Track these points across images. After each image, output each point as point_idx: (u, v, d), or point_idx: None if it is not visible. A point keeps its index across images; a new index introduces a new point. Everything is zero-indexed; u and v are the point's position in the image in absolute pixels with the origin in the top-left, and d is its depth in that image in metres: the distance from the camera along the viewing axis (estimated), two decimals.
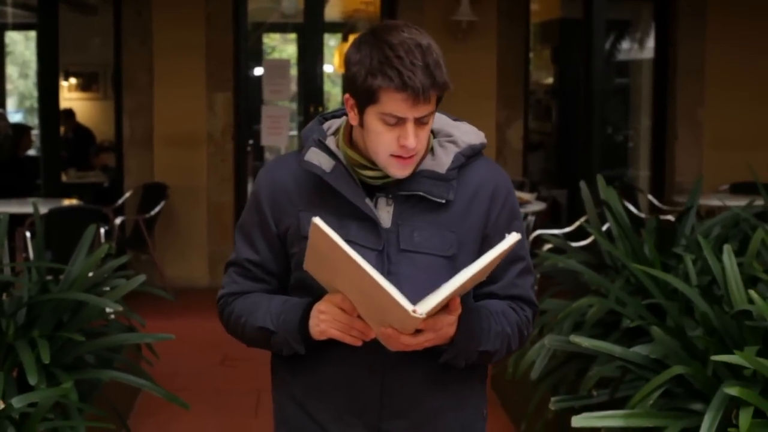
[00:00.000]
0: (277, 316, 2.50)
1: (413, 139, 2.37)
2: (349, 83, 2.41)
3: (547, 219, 9.34)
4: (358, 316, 2.36)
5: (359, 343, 2.39)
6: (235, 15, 10.13)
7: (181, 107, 9.98)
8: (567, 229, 7.37)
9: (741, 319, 3.70)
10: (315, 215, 2.36)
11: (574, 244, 6.22)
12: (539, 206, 8.59)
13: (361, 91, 2.38)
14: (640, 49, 11.39)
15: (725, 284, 3.84)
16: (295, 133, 13.58)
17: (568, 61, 11.01)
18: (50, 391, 4.00)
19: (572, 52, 10.63)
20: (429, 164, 2.49)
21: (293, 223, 2.52)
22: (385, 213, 2.48)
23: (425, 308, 2.22)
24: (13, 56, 16.77)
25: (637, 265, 4.37)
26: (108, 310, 5.17)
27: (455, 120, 2.60)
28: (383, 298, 2.23)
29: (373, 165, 2.48)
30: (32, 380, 4.07)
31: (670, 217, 6.91)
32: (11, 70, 16.91)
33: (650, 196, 9.75)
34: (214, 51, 9.98)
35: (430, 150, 2.51)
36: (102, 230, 7.57)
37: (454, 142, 2.52)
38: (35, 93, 17.70)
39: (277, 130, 10.21)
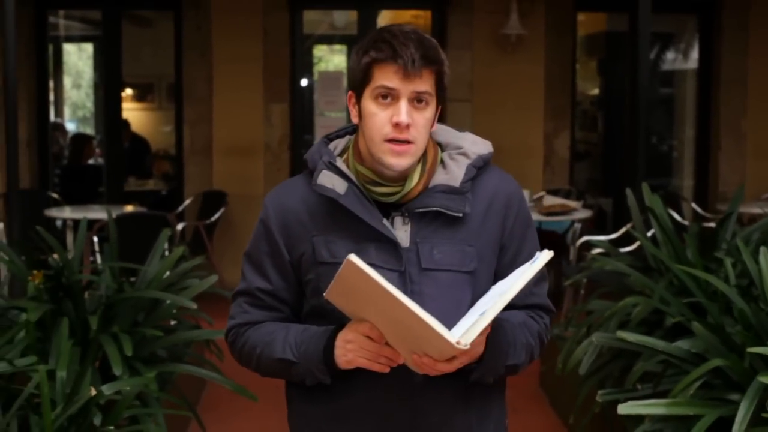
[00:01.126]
0: (297, 346, 2.45)
1: (405, 115, 2.34)
2: (349, 76, 2.44)
3: (592, 226, 9.57)
4: (386, 343, 2.33)
5: (387, 370, 2.36)
6: (292, 28, 10.48)
7: (239, 118, 10.35)
8: (614, 235, 7.61)
9: None
10: (330, 239, 2.43)
11: (621, 250, 6.48)
12: (586, 213, 8.83)
13: (356, 74, 2.39)
14: (684, 60, 11.61)
15: (761, 284, 4.12)
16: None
17: (614, 73, 11.24)
18: (135, 380, 4.34)
19: (618, 64, 10.88)
20: (442, 178, 2.47)
21: (308, 250, 2.47)
22: (402, 232, 2.45)
23: (469, 339, 2.20)
24: (67, 67, 17.09)
25: (679, 266, 4.64)
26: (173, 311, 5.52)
27: (461, 131, 2.58)
28: (422, 330, 2.19)
29: (386, 180, 2.44)
30: (117, 371, 4.40)
31: (713, 224, 7.15)
32: (65, 81, 17.29)
33: (694, 204, 9.97)
34: (271, 63, 10.34)
35: (440, 163, 2.50)
36: (167, 243, 7.93)
37: (464, 154, 2.50)
38: (88, 103, 18.09)
39: None
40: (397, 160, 2.37)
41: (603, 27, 11.94)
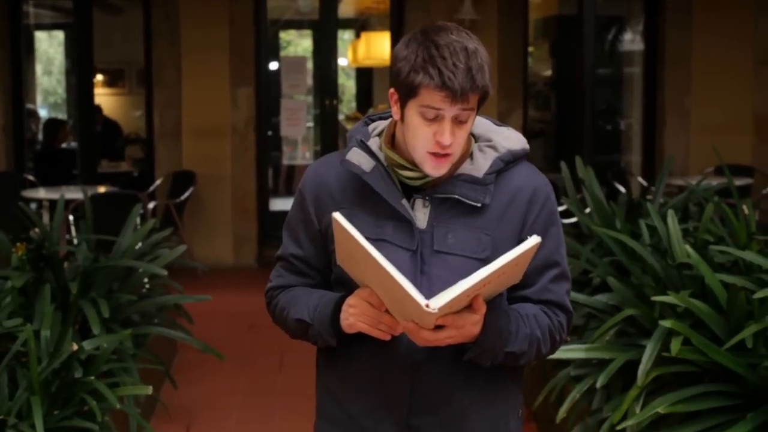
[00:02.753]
0: (314, 309, 2.54)
1: (449, 136, 2.38)
2: (393, 78, 2.45)
3: None
4: (387, 311, 2.38)
5: (388, 338, 2.41)
6: (256, 15, 10.78)
7: (207, 101, 10.66)
8: (560, 208, 8.06)
9: (681, 269, 4.47)
10: (354, 213, 2.48)
11: (565, 221, 6.94)
12: None
13: (404, 85, 2.40)
14: (633, 42, 12.02)
15: (669, 242, 4.61)
16: (311, 124, 14.20)
17: (566, 55, 11.59)
18: (112, 337, 4.79)
19: (569, 46, 11.28)
20: (467, 168, 2.50)
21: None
22: (421, 214, 2.49)
23: (438, 303, 2.23)
24: (38, 54, 17.19)
25: (603, 230, 5.11)
26: (144, 280, 5.96)
27: (498, 125, 2.63)
28: (399, 292, 2.25)
29: (412, 166, 2.49)
30: (96, 331, 4.85)
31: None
32: (36, 68, 17.42)
33: (640, 179, 10.44)
34: (237, 49, 10.63)
35: (469, 155, 2.54)
36: (139, 217, 8.33)
37: (493, 147, 2.53)
38: (59, 89, 18.31)
39: (296, 121, 10.91)
40: (436, 171, 2.44)
41: (555, 11, 12.30)
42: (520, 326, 2.46)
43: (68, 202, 8.63)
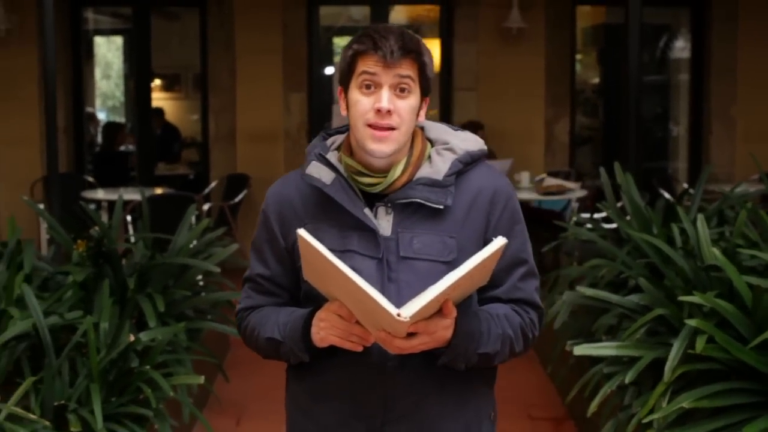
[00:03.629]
0: (283, 326, 2.53)
1: (386, 100, 2.39)
2: (337, 73, 2.69)
3: (591, 205, 10.18)
4: (357, 322, 2.37)
5: (360, 349, 2.40)
6: (309, 22, 11.04)
7: (261, 106, 10.93)
8: (602, 214, 8.20)
9: (709, 271, 4.64)
10: (319, 228, 2.47)
11: (606, 225, 7.11)
12: (581, 193, 9.48)
13: (343, 67, 2.46)
14: (679, 50, 12.13)
15: (698, 245, 4.79)
16: None
17: (613, 62, 11.74)
18: (167, 329, 5.03)
19: (616, 53, 11.41)
20: (426, 171, 2.51)
21: None
22: (385, 222, 2.49)
23: (409, 312, 2.23)
24: (97, 59, 17.49)
25: (637, 234, 5.29)
26: (198, 277, 6.20)
27: (455, 129, 2.64)
28: (371, 304, 2.24)
29: (370, 171, 2.50)
30: (151, 323, 5.10)
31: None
32: (95, 72, 17.71)
33: (685, 185, 10.57)
34: (290, 55, 10.91)
35: (427, 158, 2.55)
36: (194, 217, 8.60)
37: (451, 150, 2.55)
38: (117, 93, 18.66)
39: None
40: (378, 146, 2.43)
41: (603, 19, 12.46)
42: (491, 327, 2.47)
43: (126, 202, 8.91)
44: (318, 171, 2.53)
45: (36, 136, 10.63)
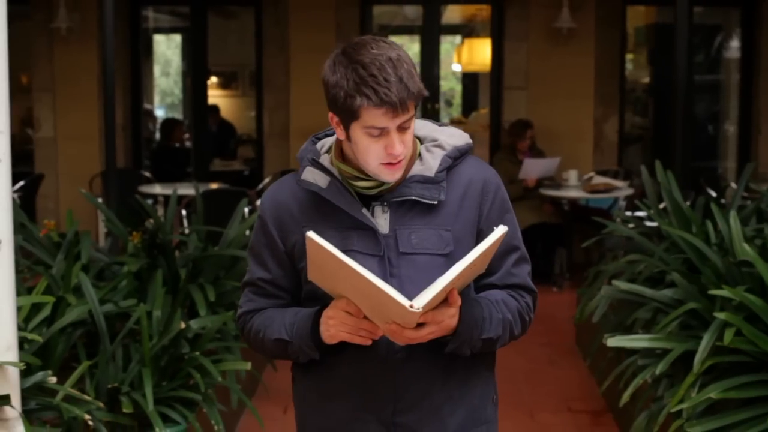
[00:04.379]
0: (290, 326, 2.59)
1: (399, 146, 2.46)
2: (330, 103, 2.49)
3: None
4: (364, 317, 2.44)
5: (369, 342, 2.48)
6: (362, 21, 11.20)
7: (315, 104, 10.86)
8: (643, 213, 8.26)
9: (741, 266, 4.77)
10: (318, 229, 2.45)
11: (648, 223, 7.21)
12: (628, 191, 9.59)
13: (343, 110, 2.46)
14: (729, 50, 12.16)
15: (730, 241, 4.91)
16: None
17: (663, 62, 11.77)
18: (217, 318, 5.23)
19: (666, 53, 11.44)
20: (418, 169, 2.59)
21: (299, 240, 2.58)
22: (382, 220, 2.57)
23: (421, 302, 2.31)
24: (156, 56, 17.72)
25: (673, 230, 5.41)
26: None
27: (440, 125, 2.73)
28: (382, 298, 2.31)
29: (365, 176, 2.56)
30: (202, 312, 5.30)
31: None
32: (154, 70, 17.94)
33: (733, 184, 10.61)
34: None
35: (418, 156, 2.63)
36: (246, 209, 8.79)
37: (440, 146, 2.63)
38: (176, 90, 18.90)
39: None
40: (392, 177, 2.53)
41: (654, 19, 12.50)
42: (492, 312, 2.57)
43: (181, 197, 9.14)
44: (313, 176, 2.60)
45: (95, 131, 10.88)
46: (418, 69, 2.51)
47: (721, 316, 4.31)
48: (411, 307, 2.29)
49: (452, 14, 14.71)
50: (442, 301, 2.41)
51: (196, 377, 4.74)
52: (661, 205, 6.34)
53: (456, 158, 2.64)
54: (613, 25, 11.08)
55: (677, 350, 4.48)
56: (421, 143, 2.66)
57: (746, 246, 4.69)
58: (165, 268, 5.70)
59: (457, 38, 16.34)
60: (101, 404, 4.43)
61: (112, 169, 6.88)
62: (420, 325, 2.41)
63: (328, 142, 2.70)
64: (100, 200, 7.70)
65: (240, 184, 10.98)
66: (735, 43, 11.83)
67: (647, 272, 5.59)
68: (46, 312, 4.67)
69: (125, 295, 5.28)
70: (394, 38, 17.44)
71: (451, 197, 2.60)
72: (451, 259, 2.50)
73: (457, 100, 17.69)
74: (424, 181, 2.57)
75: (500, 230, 2.41)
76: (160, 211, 9.36)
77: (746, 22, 11.33)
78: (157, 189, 10.21)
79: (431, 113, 12.01)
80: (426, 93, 2.51)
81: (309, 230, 2.43)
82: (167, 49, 18.84)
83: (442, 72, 13.59)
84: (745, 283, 4.68)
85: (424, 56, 12.99)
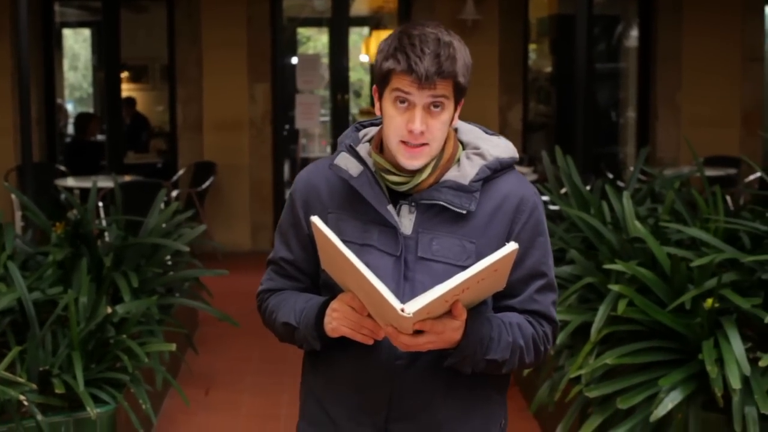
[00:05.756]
0: (299, 312, 2.53)
1: (419, 123, 2.36)
2: (374, 71, 2.49)
3: None
4: (369, 315, 2.37)
5: (370, 342, 2.40)
6: (272, 15, 11.40)
7: (226, 96, 11.32)
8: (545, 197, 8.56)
9: (634, 243, 5.12)
10: (342, 218, 2.49)
11: (552, 207, 7.51)
12: (533, 177, 9.94)
13: (377, 74, 2.43)
14: (627, 40, 12.61)
15: (624, 219, 5.27)
16: (326, 119, 14.76)
17: (564, 52, 12.12)
18: (140, 302, 5.45)
19: (567, 43, 11.81)
20: (453, 175, 2.48)
21: None
22: (407, 220, 2.47)
23: (413, 308, 2.21)
24: (65, 50, 17.64)
25: (572, 210, 5.74)
26: (168, 257, 6.61)
27: (489, 134, 2.61)
28: (376, 295, 2.24)
29: (399, 171, 2.47)
30: (126, 298, 5.50)
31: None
32: (63, 64, 17.83)
33: (632, 168, 11.01)
34: (254, 47, 11.27)
35: (456, 161, 2.51)
36: (164, 200, 8.98)
37: (481, 155, 2.50)
38: (84, 84, 18.92)
39: (309, 115, 11.54)
40: (410, 161, 2.42)
41: (555, 10, 12.87)
42: (502, 334, 2.43)
43: (98, 189, 9.28)
44: (346, 163, 2.52)
45: (9, 126, 10.96)
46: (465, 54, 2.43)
47: (615, 288, 4.65)
48: (402, 311, 2.21)
49: (360, 6, 14.97)
50: (447, 312, 2.33)
51: (123, 359, 4.96)
52: (563, 190, 6.66)
53: (496, 170, 2.51)
54: (516, 17, 11.46)
55: (575, 321, 4.82)
56: (464, 149, 2.56)
57: (638, 224, 5.04)
58: (88, 257, 5.86)
59: (365, 30, 16.64)
60: (33, 386, 4.63)
61: (29, 163, 6.92)
62: (419, 333, 2.32)
63: (372, 131, 2.62)
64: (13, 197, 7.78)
65: (154, 176, 11.09)
66: (634, 33, 12.24)
67: None
68: None
69: (51, 283, 5.45)
70: (303, 30, 17.78)
71: (483, 209, 2.48)
72: None
73: (366, 90, 17.95)
74: (457, 188, 2.46)
75: (510, 246, 2.26)
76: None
77: (644, 12, 11.74)
78: (72, 182, 10.28)
79: (341, 103, 12.26)
80: (462, 80, 2.41)
81: (333, 216, 2.49)
82: (75, 43, 18.81)
83: (351, 63, 13.83)
84: (638, 258, 5.03)
85: (332, 48, 13.23)
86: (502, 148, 2.55)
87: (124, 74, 15.26)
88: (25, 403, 4.55)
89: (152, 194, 6.86)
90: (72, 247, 5.93)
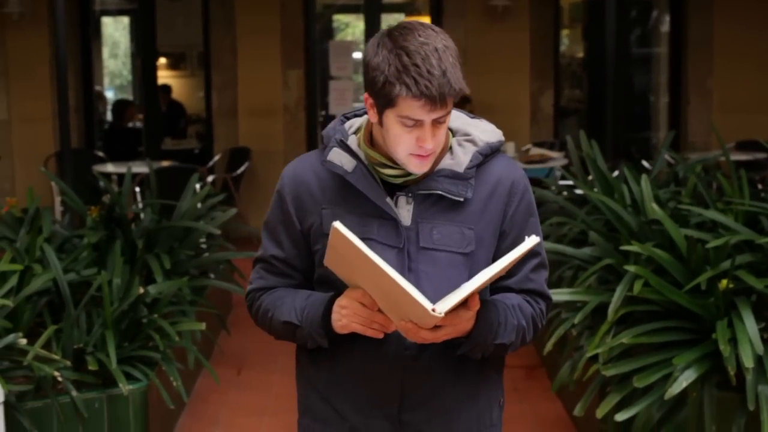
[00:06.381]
0: (301, 310, 2.52)
1: (431, 140, 2.37)
2: (368, 85, 2.39)
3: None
4: (378, 310, 2.37)
5: (381, 336, 2.41)
6: (305, 2, 11.39)
7: (261, 83, 11.45)
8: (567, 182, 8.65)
9: (652, 225, 5.22)
10: (338, 213, 2.46)
11: (578, 191, 7.61)
12: (563, 161, 10.03)
13: (380, 95, 2.36)
14: (659, 24, 12.65)
15: (642, 201, 5.37)
16: (360, 104, 14.85)
17: (595, 37, 12.22)
18: (173, 283, 5.60)
19: (599, 29, 11.87)
20: (448, 163, 2.49)
21: (316, 221, 2.52)
22: (405, 211, 2.48)
23: (444, 307, 2.24)
24: (104, 38, 17.83)
25: (593, 193, 5.85)
26: (201, 240, 6.78)
27: (473, 118, 2.62)
28: (403, 297, 2.24)
29: (393, 164, 2.47)
30: (159, 279, 5.66)
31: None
32: (103, 52, 18.05)
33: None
34: (288, 34, 11.39)
35: (449, 149, 2.53)
36: (197, 185, 9.12)
37: (472, 141, 2.53)
38: (124, 72, 19.15)
39: (343, 101, 11.67)
40: (420, 169, 2.43)
41: None
42: (508, 318, 2.48)
43: (134, 175, 9.44)
44: (339, 158, 2.50)
45: (49, 114, 11.16)
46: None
47: (631, 269, 4.75)
48: (433, 311, 2.24)
49: None
50: (461, 303, 2.36)
51: (155, 338, 5.12)
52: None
53: (487, 155, 2.54)
54: (547, 2, 11.53)
55: (593, 302, 4.92)
56: (453, 135, 2.58)
57: (655, 206, 5.13)
58: (122, 239, 6.04)
59: (401, 16, 16.73)
60: (68, 362, 4.81)
61: (67, 149, 7.07)
62: (437, 326, 2.35)
63: (357, 122, 2.61)
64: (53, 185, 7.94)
65: (190, 162, 11.21)
66: (666, 18, 12.27)
67: (572, 234, 6.03)
68: (12, 282, 5.01)
69: (86, 265, 5.62)
70: (341, 17, 17.91)
71: (478, 196, 2.51)
72: (471, 259, 2.49)
73: None
74: (453, 176, 2.49)
75: (532, 240, 2.36)
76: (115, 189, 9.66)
77: None
78: (110, 168, 10.42)
79: None
80: (467, 91, 2.40)
81: (328, 212, 2.48)
82: (115, 31, 19.02)
83: None
84: (656, 239, 5.13)
85: (367, 34, 13.29)
86: (490, 132, 2.58)
87: (163, 61, 15.52)
88: (60, 379, 4.73)
89: (187, 179, 7.00)
90: (106, 230, 6.11)
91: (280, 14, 11.39)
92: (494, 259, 2.49)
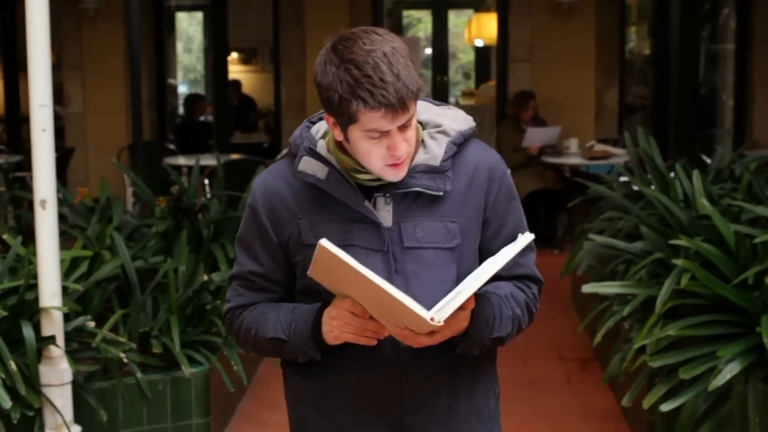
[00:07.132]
0: (287, 325, 2.44)
1: (403, 145, 2.31)
2: (325, 105, 2.31)
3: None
4: (370, 317, 2.31)
5: (374, 343, 2.35)
6: None
7: None
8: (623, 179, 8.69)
9: (702, 220, 5.31)
10: (315, 221, 2.40)
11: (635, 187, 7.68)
12: (625, 158, 10.08)
13: (339, 113, 2.28)
14: (725, 21, 12.64)
15: (693, 197, 5.47)
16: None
17: (662, 34, 12.26)
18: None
19: (666, 25, 11.90)
20: (422, 158, 2.42)
21: (294, 232, 2.45)
22: (385, 212, 2.41)
23: (443, 315, 2.20)
24: (179, 33, 17.97)
25: (646, 189, 5.95)
26: None
27: (439, 106, 2.55)
28: (399, 307, 2.19)
29: (365, 168, 2.40)
30: (223, 267, 5.85)
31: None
32: (177, 46, 18.31)
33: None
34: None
35: (421, 143, 2.45)
36: None
37: (444, 132, 2.46)
38: (198, 66, 19.42)
39: None
40: (398, 175, 2.38)
41: None
42: (503, 310, 2.44)
43: (204, 167, 9.66)
44: (311, 167, 2.43)
45: (122, 107, 11.47)
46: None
47: (679, 263, 4.86)
48: (432, 320, 2.19)
49: None
50: None
51: (217, 324, 5.33)
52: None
53: (460, 144, 2.48)
54: (612, 0, 11.57)
55: (642, 295, 5.02)
56: (423, 128, 2.50)
57: (705, 201, 5.23)
58: (189, 229, 6.24)
59: (470, 13, 16.86)
60: (134, 345, 5.03)
61: (139, 141, 7.34)
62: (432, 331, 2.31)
63: (324, 126, 2.51)
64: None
65: (260, 156, 11.34)
66: (732, 15, 12.26)
67: (626, 229, 6.13)
68: (83, 268, 5.27)
69: (153, 252, 5.84)
70: (409, 13, 18.05)
71: (457, 187, 2.45)
72: (457, 253, 2.44)
73: (472, 74, 18.17)
74: (429, 170, 2.41)
75: (526, 238, 2.36)
76: (185, 180, 9.89)
77: None
78: (181, 160, 10.66)
79: (440, 85, 12.52)
80: (425, 88, 2.37)
81: (305, 221, 2.42)
82: (189, 26, 19.31)
83: (461, 45, 14.06)
84: (705, 234, 5.23)
85: (435, 30, 13.49)
86: (461, 120, 2.52)
87: (235, 56, 15.72)
88: (126, 361, 4.96)
89: (254, 172, 7.13)
90: (174, 220, 6.32)
91: (349, 10, 11.57)
92: (480, 248, 2.50)
